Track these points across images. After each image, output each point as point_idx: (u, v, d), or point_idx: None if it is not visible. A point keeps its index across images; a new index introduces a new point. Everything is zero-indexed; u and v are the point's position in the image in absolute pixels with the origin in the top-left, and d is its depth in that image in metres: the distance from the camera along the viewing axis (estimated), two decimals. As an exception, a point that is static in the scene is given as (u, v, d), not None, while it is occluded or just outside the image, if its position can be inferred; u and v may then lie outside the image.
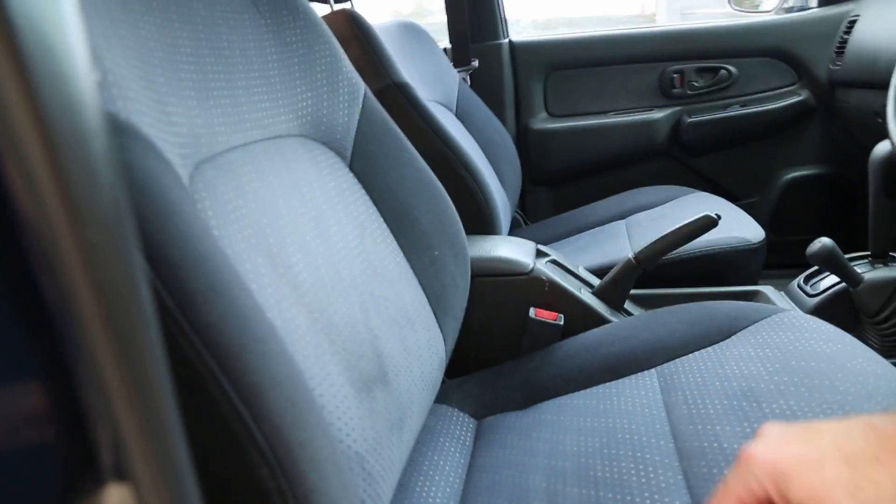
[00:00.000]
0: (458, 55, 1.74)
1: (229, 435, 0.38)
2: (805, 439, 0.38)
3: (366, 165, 0.84)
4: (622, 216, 1.53)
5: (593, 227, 1.53)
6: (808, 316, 0.81)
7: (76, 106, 0.19)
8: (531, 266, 1.00)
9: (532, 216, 1.88)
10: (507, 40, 1.83)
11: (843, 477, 0.35)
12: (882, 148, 1.11)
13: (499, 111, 1.76)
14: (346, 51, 0.87)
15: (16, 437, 0.21)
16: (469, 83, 1.71)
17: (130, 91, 0.47)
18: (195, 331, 0.38)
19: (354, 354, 0.63)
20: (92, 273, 0.20)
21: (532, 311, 0.96)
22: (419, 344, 0.78)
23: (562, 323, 0.95)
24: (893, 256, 1.18)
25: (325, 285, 0.64)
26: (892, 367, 0.69)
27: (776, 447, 0.39)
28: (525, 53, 1.80)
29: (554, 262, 1.05)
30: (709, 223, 0.99)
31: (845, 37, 1.55)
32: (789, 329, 0.78)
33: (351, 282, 0.69)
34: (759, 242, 1.21)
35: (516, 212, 1.77)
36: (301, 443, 0.40)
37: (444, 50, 1.73)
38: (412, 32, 1.50)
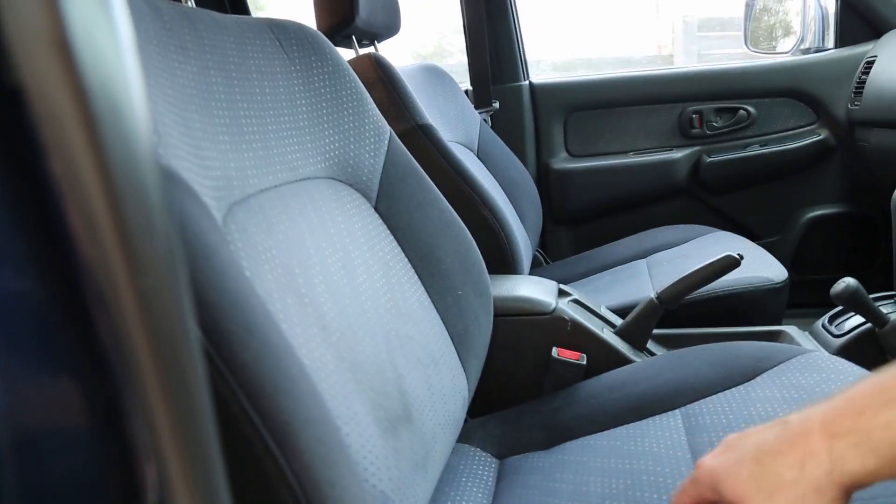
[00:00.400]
0: (479, 96, 1.77)
1: (261, 473, 0.39)
2: (735, 445, 0.45)
3: (391, 206, 0.86)
4: (643, 255, 1.53)
5: (614, 267, 1.53)
6: (834, 357, 0.81)
7: (137, 162, 0.21)
8: (553, 305, 1.00)
9: (553, 255, 1.88)
10: (527, 82, 1.85)
11: (754, 472, 0.42)
12: (904, 187, 1.11)
13: (519, 151, 1.78)
14: (371, 93, 0.90)
15: (66, 471, 0.22)
16: (490, 124, 1.74)
17: (170, 137, 0.49)
18: (230, 370, 0.39)
19: (380, 394, 0.64)
20: (146, 318, 0.21)
21: (554, 351, 0.96)
22: (443, 383, 0.78)
23: (584, 363, 0.95)
24: None
25: (352, 325, 0.65)
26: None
27: (716, 455, 0.46)
28: (545, 95, 1.83)
29: (576, 301, 1.05)
30: (731, 263, 0.99)
31: (863, 77, 1.56)
32: (815, 370, 0.77)
33: (377, 321, 0.70)
34: (782, 282, 1.20)
35: (537, 251, 1.78)
36: (330, 481, 0.41)
37: (465, 91, 1.77)
38: (434, 75, 1.53)
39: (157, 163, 0.22)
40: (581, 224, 1.87)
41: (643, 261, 1.49)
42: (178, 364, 0.22)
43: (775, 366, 0.81)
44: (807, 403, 0.71)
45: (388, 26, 1.32)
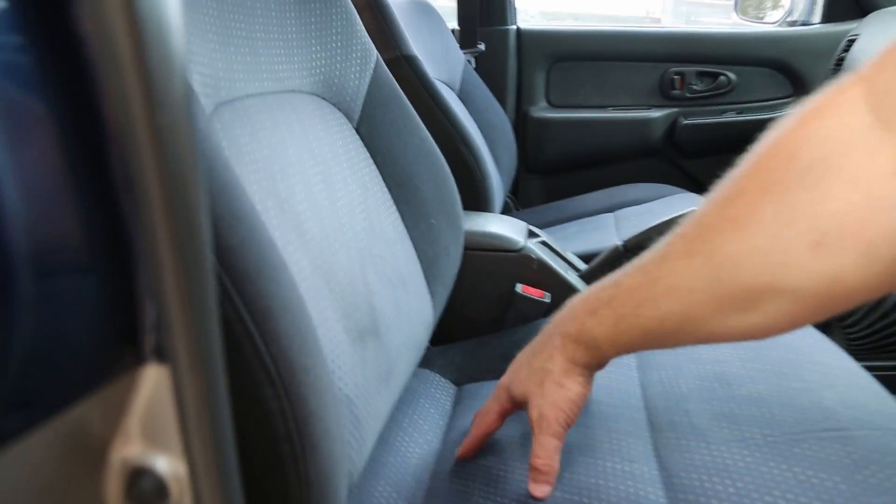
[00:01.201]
0: (466, 37, 1.76)
1: (240, 354, 0.41)
2: (517, 359, 0.64)
3: (372, 130, 0.86)
4: (611, 209, 1.56)
5: (582, 218, 1.55)
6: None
7: (158, 5, 0.21)
8: (522, 244, 1.02)
9: (523, 202, 1.90)
10: (514, 27, 1.84)
11: (527, 372, 0.60)
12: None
13: (500, 96, 1.78)
14: (360, 18, 0.89)
15: (73, 295, 0.23)
16: (474, 66, 1.73)
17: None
18: (216, 254, 0.40)
19: (351, 305, 0.65)
20: (160, 156, 0.22)
21: (519, 287, 0.99)
22: (410, 305, 0.80)
23: (548, 301, 0.98)
24: None
25: (329, 236, 0.66)
26: (855, 362, 0.73)
27: (507, 373, 0.64)
28: (531, 41, 1.82)
29: (543, 243, 1.08)
30: None
31: (844, 54, 1.59)
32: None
33: (352, 237, 0.71)
34: None
35: (508, 196, 1.80)
36: (304, 367, 0.43)
37: (452, 31, 1.75)
38: (423, 10, 1.51)
39: (179, 11, 0.22)
40: (554, 174, 1.89)
41: (611, 214, 1.52)
42: (186, 206, 0.23)
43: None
44: (752, 350, 0.75)
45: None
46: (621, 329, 0.52)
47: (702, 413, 0.67)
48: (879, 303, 1.12)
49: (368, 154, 0.85)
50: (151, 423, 0.27)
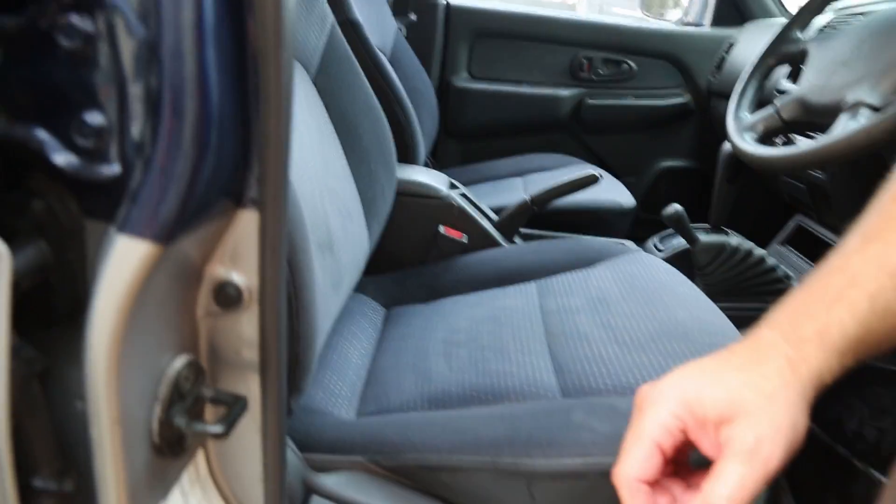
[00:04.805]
0: (399, 6, 1.89)
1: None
2: (682, 373, 0.43)
3: (326, 83, 1.00)
4: (520, 174, 1.75)
5: (494, 179, 1.74)
6: (653, 256, 1.05)
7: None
8: (445, 192, 1.19)
9: (441, 163, 2.07)
10: (445, 1, 1.99)
11: (744, 380, 0.41)
12: (727, 144, 1.40)
13: (426, 64, 1.92)
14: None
15: (222, 155, 0.37)
16: (405, 34, 1.86)
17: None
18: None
19: (314, 224, 0.80)
20: (279, 34, 0.36)
21: (441, 228, 1.16)
22: (354, 233, 0.95)
23: (466, 241, 1.15)
24: (724, 229, 1.48)
25: (295, 163, 0.80)
26: (705, 295, 0.94)
27: (669, 381, 0.43)
28: (458, 16, 1.97)
29: (463, 194, 1.25)
30: (592, 179, 1.22)
31: (725, 55, 1.84)
32: (639, 263, 1.02)
33: (312, 169, 0.85)
34: (629, 208, 1.47)
35: (428, 157, 1.95)
36: (303, 250, 0.57)
37: (387, -1, 1.87)
38: (362, -24, 1.63)
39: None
40: (470, 140, 2.06)
41: (520, 178, 1.71)
42: (285, 86, 0.37)
43: (611, 258, 1.05)
44: (628, 282, 0.95)
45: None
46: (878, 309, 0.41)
47: (586, 323, 0.86)
48: (728, 258, 1.37)
49: (322, 103, 0.98)
50: (238, 251, 0.42)
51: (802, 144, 0.97)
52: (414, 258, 1.17)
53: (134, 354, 0.37)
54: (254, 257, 0.41)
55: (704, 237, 1.40)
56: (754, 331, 0.44)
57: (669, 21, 2.15)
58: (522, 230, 1.31)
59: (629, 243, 1.41)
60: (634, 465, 0.41)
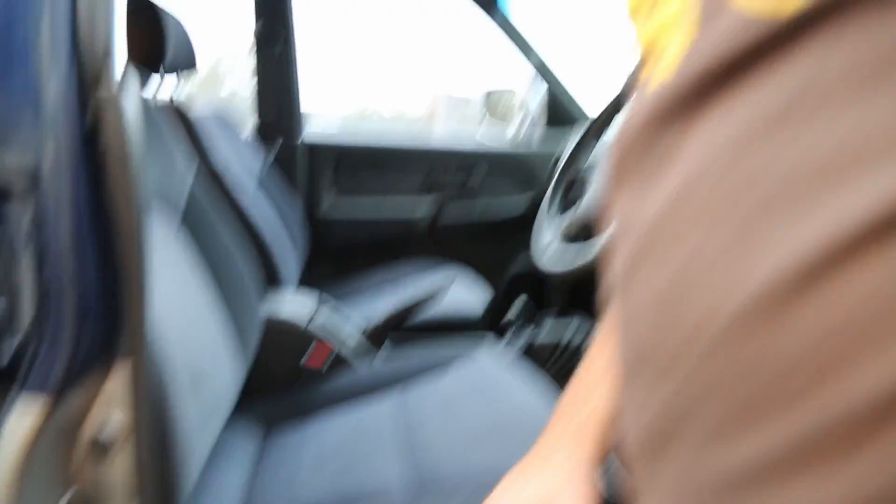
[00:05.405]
0: (265, 142, 2.06)
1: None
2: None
3: (193, 223, 1.10)
4: (391, 281, 1.94)
5: (366, 290, 1.91)
6: (499, 353, 1.21)
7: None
8: (303, 324, 1.31)
9: (315, 280, 2.17)
10: (301, 142, 2.14)
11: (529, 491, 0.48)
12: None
13: (294, 186, 2.07)
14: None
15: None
16: (274, 157, 2.03)
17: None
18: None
19: (184, 359, 0.88)
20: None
21: (303, 360, 1.27)
22: (225, 364, 1.04)
23: (329, 363, 1.27)
24: (569, 311, 1.67)
25: (164, 308, 0.89)
26: (547, 384, 1.10)
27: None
28: (318, 152, 2.14)
29: (332, 308, 1.37)
30: (430, 297, 1.48)
31: (554, 168, 2.09)
32: (481, 365, 1.17)
33: (181, 310, 0.95)
34: (480, 311, 1.66)
35: (302, 276, 2.07)
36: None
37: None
38: (221, 123, 1.77)
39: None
40: (342, 254, 2.19)
41: (390, 285, 1.90)
42: (145, 262, 0.49)
43: (459, 361, 1.20)
44: (470, 387, 1.10)
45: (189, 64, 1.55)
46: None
47: (436, 427, 0.99)
48: (563, 350, 1.54)
49: (191, 242, 1.09)
50: (115, 395, 0.51)
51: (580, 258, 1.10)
52: (287, 381, 1.27)
53: (30, 490, 0.45)
54: (128, 400, 0.51)
55: (542, 335, 1.59)
56: (539, 442, 0.52)
57: (506, 138, 2.39)
58: (392, 333, 1.46)
59: (489, 335, 1.56)
60: None
